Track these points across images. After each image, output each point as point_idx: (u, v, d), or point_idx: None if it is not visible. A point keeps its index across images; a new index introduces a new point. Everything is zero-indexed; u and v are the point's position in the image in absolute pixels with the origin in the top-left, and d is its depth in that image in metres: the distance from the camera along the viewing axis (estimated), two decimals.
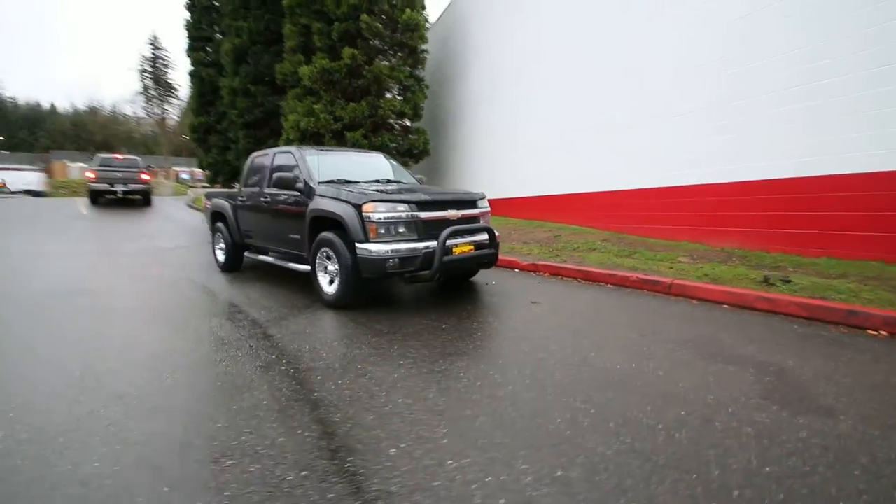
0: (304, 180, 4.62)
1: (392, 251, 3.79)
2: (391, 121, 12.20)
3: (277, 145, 14.21)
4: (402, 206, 3.96)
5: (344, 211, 3.98)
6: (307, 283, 5.48)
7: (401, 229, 3.92)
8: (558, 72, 9.38)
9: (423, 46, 12.31)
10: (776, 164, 5.49)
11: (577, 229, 8.33)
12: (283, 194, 4.92)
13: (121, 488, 1.60)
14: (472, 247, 4.26)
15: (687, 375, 2.49)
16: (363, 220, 3.86)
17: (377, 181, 5.05)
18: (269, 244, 5.42)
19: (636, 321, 3.58)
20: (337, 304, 4.14)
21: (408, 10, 11.59)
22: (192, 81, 16.39)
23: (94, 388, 2.47)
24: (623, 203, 7.76)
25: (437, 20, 14.57)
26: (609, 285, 4.82)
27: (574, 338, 3.18)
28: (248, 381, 2.54)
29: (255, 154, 6.01)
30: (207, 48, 16.41)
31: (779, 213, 5.42)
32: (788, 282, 4.27)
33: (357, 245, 3.89)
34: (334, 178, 4.74)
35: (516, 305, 4.20)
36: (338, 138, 11.90)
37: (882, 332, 3.03)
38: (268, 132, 14.26)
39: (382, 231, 3.86)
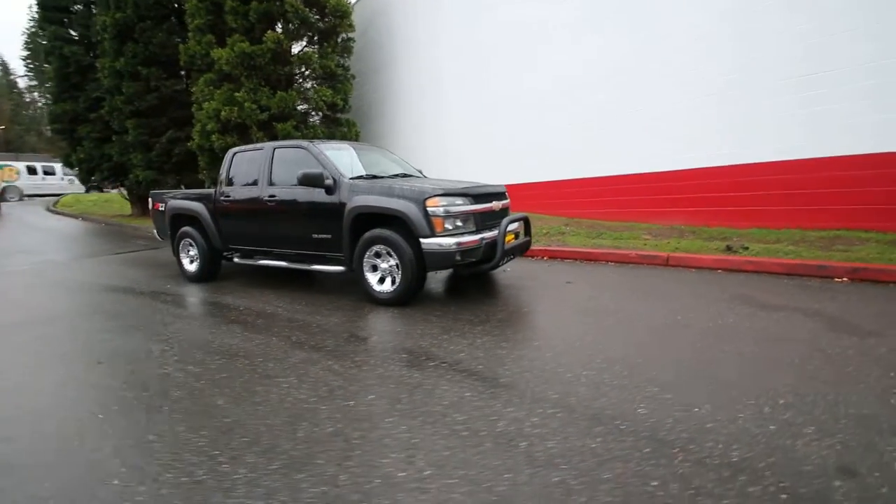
0: (333, 177, 4.42)
1: (457, 244, 3.91)
2: (322, 112, 11.64)
3: (180, 136, 12.55)
4: (460, 200, 4.08)
5: (405, 206, 3.96)
6: (319, 282, 5.26)
7: (461, 222, 4.05)
8: (495, 66, 9.95)
9: (351, 35, 11.92)
10: (705, 155, 6.76)
11: (534, 216, 9.05)
12: (301, 192, 4.62)
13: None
14: (514, 236, 4.56)
15: (765, 324, 3.16)
16: (427, 215, 3.90)
17: (397, 175, 5.02)
18: (274, 247, 5.02)
19: (673, 289, 4.27)
20: (393, 301, 4.11)
21: None
22: (49, 60, 13.40)
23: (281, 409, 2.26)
24: (570, 191, 8.67)
25: (354, 4, 14.13)
26: (611, 263, 5.52)
27: (646, 306, 3.72)
28: (431, 382, 2.52)
29: (236, 151, 5.45)
30: (65, 20, 13.59)
31: (713, 195, 6.69)
32: (747, 248, 5.39)
33: (422, 240, 3.91)
34: (353, 174, 4.61)
35: (556, 286, 4.63)
36: (265, 130, 11.02)
37: (845, 279, 4.12)
38: (165, 122, 12.47)
39: (448, 225, 3.94)
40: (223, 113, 10.27)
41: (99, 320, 4.08)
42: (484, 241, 4.11)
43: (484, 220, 4.26)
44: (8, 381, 2.73)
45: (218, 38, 10.81)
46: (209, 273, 5.65)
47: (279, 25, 11.52)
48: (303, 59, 10.75)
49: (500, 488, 1.60)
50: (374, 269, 4.26)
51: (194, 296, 4.96)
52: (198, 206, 5.56)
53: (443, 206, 3.93)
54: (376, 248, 4.15)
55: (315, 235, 4.62)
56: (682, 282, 4.51)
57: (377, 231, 4.12)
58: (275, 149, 5.05)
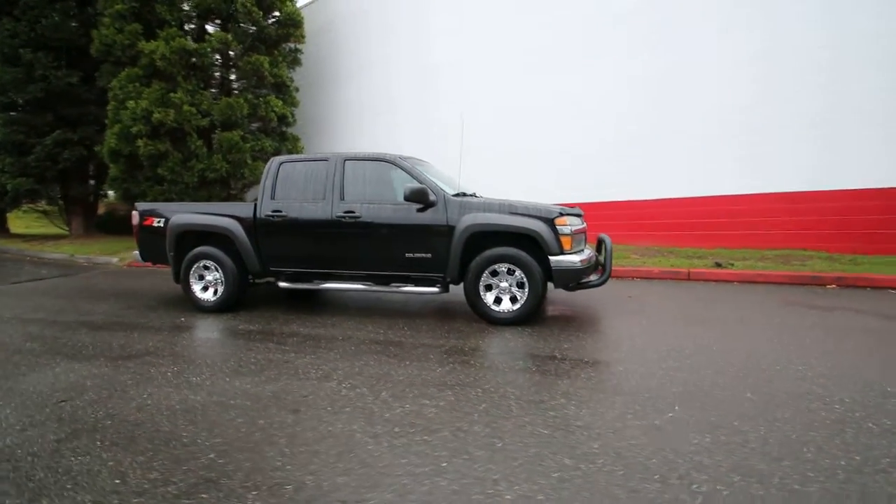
0: (435, 193, 4.23)
1: (581, 261, 4.07)
2: (272, 123, 10.63)
3: (72, 138, 10.17)
4: (576, 219, 4.26)
5: (536, 225, 3.98)
6: (361, 304, 4.95)
7: (576, 241, 4.21)
8: (451, 94, 10.33)
9: (300, 46, 11.24)
10: (674, 188, 8.05)
11: None
12: (392, 209, 4.31)
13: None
14: None
15: (844, 322, 3.96)
16: (557, 234, 3.99)
17: (474, 194, 4.96)
18: (346, 268, 4.52)
19: (726, 298, 4.99)
20: (515, 321, 4.04)
21: (289, 3, 10.48)
22: None
23: None
24: None
25: None
26: (636, 279, 6.17)
27: (733, 314, 4.32)
28: (703, 388, 2.64)
29: (283, 161, 4.80)
30: None
31: (679, 221, 7.96)
32: (733, 264, 6.54)
33: (552, 258, 3.97)
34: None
35: (621, 300, 5.03)
36: (205, 137, 9.71)
37: (834, 286, 5.33)
38: (52, 119, 10.02)
39: (574, 243, 4.08)
40: (155, 115, 8.76)
41: (169, 363, 3.20)
42: (591, 259, 4.33)
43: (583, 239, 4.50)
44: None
45: (147, 30, 9.23)
46: (235, 301, 4.79)
47: (211, 24, 10.40)
48: (254, 65, 9.77)
49: None
50: (489, 288, 4.15)
51: (244, 327, 4.14)
52: (229, 223, 4.70)
53: (569, 224, 4.07)
54: (496, 266, 4.06)
55: (410, 255, 4.31)
56: (722, 292, 5.31)
57: (502, 249, 4.04)
58: (345, 160, 4.60)
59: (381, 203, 4.39)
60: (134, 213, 5.16)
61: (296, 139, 11.42)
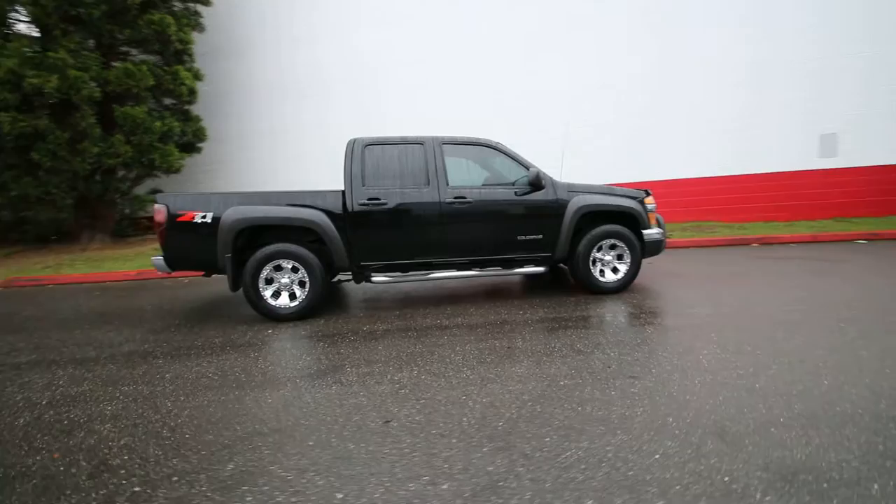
0: (547, 178, 4.47)
1: (661, 233, 4.84)
2: (181, 98, 8.75)
3: None
4: (652, 198, 4.97)
5: (633, 203, 4.60)
6: (453, 289, 5.25)
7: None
8: (390, 83, 10.23)
9: (199, 8, 9.45)
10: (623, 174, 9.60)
11: None
12: (503, 192, 4.39)
13: None
14: None
15: (804, 266, 5.62)
16: (646, 210, 4.67)
17: None
18: (453, 255, 4.39)
19: (713, 261, 6.36)
20: (619, 289, 4.60)
21: None
22: None
23: None
24: None
25: None
26: None
27: (739, 269, 5.67)
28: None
29: (367, 143, 4.31)
30: None
31: None
32: (671, 235, 8.25)
33: (644, 232, 4.63)
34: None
35: (647, 267, 6.04)
36: (100, 111, 7.65)
37: (757, 244, 7.28)
38: None
39: (654, 219, 4.80)
40: (31, 80, 6.53)
41: (392, 371, 2.84)
42: None
43: None
44: None
45: None
46: (319, 303, 4.20)
47: None
48: (159, 25, 7.92)
49: None
50: (594, 262, 4.59)
51: (370, 328, 3.75)
52: (314, 215, 4.06)
53: (652, 202, 4.78)
54: (607, 241, 4.53)
55: (522, 237, 4.45)
56: (697, 255, 6.77)
57: (609, 227, 4.51)
58: (443, 144, 4.41)
59: (489, 187, 4.41)
60: (158, 207, 3.96)
61: (198, 119, 9.63)
